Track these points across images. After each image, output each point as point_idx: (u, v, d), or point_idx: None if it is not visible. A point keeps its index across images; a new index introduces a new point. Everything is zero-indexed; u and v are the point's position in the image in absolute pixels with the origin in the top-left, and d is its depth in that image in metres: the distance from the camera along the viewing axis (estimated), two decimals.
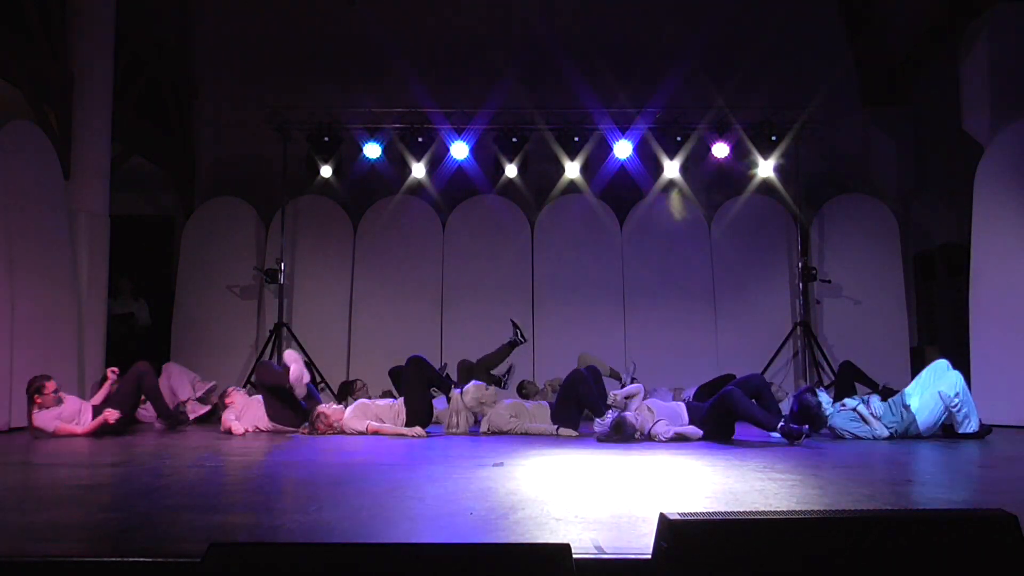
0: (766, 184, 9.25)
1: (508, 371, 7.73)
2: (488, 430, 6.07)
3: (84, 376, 7.34)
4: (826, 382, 8.66)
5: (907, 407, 5.52)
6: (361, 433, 5.87)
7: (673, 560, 1.78)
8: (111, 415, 5.79)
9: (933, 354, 7.52)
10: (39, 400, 5.78)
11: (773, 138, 8.85)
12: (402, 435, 5.81)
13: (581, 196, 9.46)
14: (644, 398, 6.00)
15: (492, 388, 6.31)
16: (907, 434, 5.46)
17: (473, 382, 6.32)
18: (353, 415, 6.03)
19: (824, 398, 5.75)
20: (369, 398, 6.62)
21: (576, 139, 9.00)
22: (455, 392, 6.26)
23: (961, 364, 6.81)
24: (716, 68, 9.54)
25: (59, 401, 5.85)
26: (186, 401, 7.10)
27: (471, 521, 2.61)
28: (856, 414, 5.58)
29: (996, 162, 7.09)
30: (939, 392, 5.43)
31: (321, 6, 10.09)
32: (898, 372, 8.29)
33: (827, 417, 5.61)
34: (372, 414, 6.07)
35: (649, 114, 8.94)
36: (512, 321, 7.45)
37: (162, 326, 9.22)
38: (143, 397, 6.43)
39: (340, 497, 3.13)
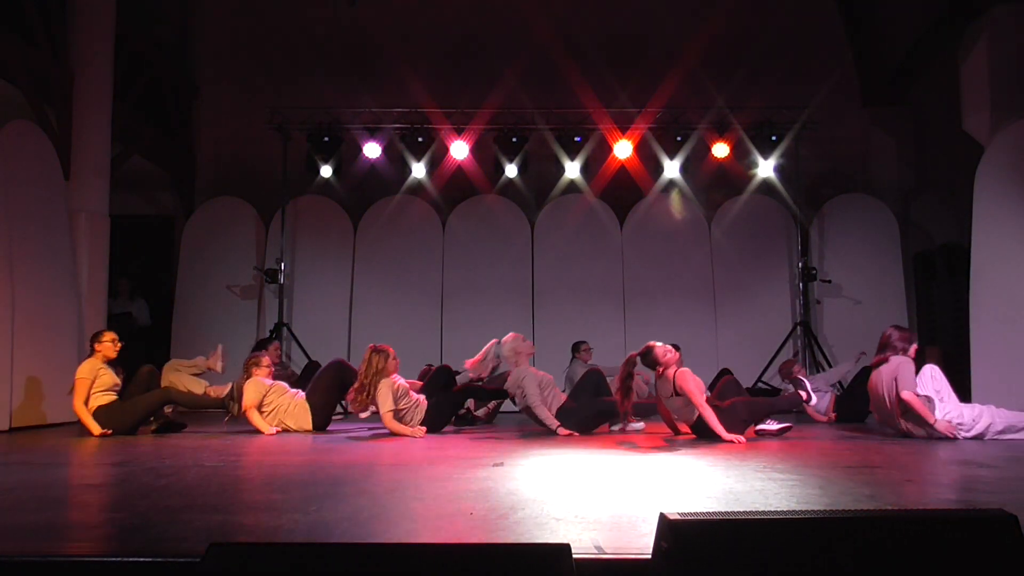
0: (766, 184, 9.25)
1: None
2: (508, 389, 6.13)
3: None
4: None
5: None
6: (375, 413, 5.94)
7: (673, 560, 1.78)
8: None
9: (933, 354, 7.52)
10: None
11: (773, 138, 8.86)
12: (402, 434, 5.81)
13: (581, 196, 9.46)
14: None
15: (530, 341, 6.34)
16: None
17: (511, 333, 6.37)
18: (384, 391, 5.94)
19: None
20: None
21: (576, 139, 9.01)
22: (492, 343, 6.42)
23: (961, 364, 6.81)
24: (716, 68, 9.55)
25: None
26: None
27: (471, 521, 2.61)
28: None
29: (996, 162, 7.09)
30: None
31: (321, 6, 10.10)
32: None
33: None
34: (399, 393, 6.03)
35: (649, 114, 8.94)
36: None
37: (162, 326, 9.23)
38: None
39: (340, 497, 3.13)
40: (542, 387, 6.09)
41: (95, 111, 7.63)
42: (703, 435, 5.63)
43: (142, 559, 2.13)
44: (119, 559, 2.13)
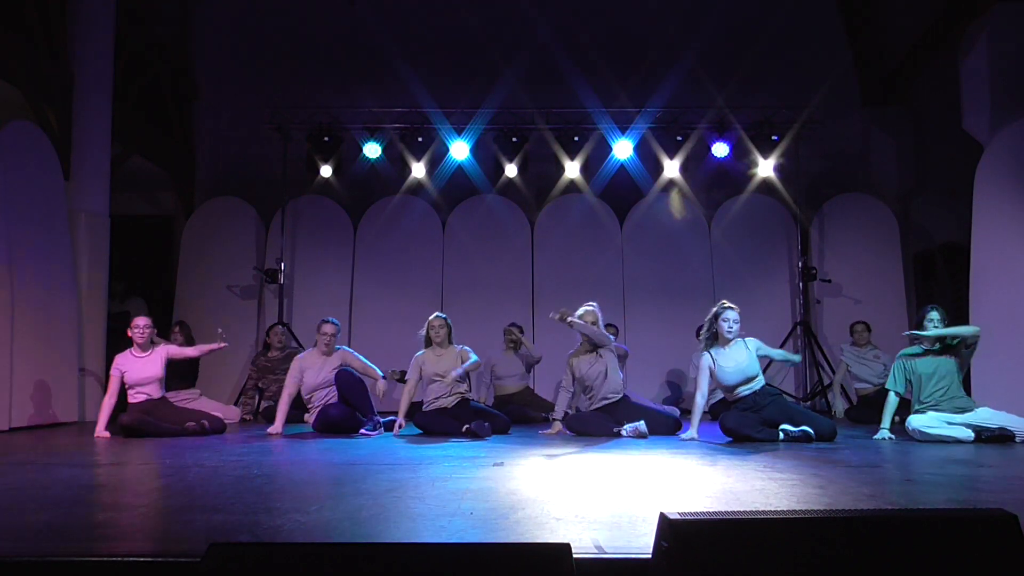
0: (766, 184, 9.26)
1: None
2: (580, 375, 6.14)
3: (84, 376, 7.34)
4: (826, 382, 8.66)
5: None
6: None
7: (673, 560, 1.78)
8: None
9: None
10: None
11: (773, 138, 8.86)
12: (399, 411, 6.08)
13: (581, 196, 9.47)
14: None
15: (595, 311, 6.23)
16: None
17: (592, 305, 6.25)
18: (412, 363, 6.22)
19: None
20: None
21: (576, 139, 9.01)
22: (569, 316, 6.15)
23: None
24: (716, 68, 9.55)
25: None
26: None
27: (471, 521, 2.61)
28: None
29: (996, 161, 7.08)
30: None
31: (321, 6, 10.10)
32: None
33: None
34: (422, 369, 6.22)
35: (649, 114, 8.95)
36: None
37: (162, 326, 9.21)
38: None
39: (340, 497, 3.13)
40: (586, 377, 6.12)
41: (95, 111, 7.63)
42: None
43: (142, 559, 2.13)
44: (119, 559, 2.13)
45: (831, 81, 9.60)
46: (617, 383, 6.12)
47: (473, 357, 6.21)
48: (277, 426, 6.09)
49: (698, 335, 7.91)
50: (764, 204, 9.50)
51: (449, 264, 9.43)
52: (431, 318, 6.34)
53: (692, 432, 5.57)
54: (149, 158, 9.45)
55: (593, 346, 6.15)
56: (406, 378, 6.24)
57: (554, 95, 9.35)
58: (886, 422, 5.57)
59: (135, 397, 6.01)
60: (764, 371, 5.80)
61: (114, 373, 6.02)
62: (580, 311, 6.15)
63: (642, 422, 5.78)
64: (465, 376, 6.18)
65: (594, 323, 6.13)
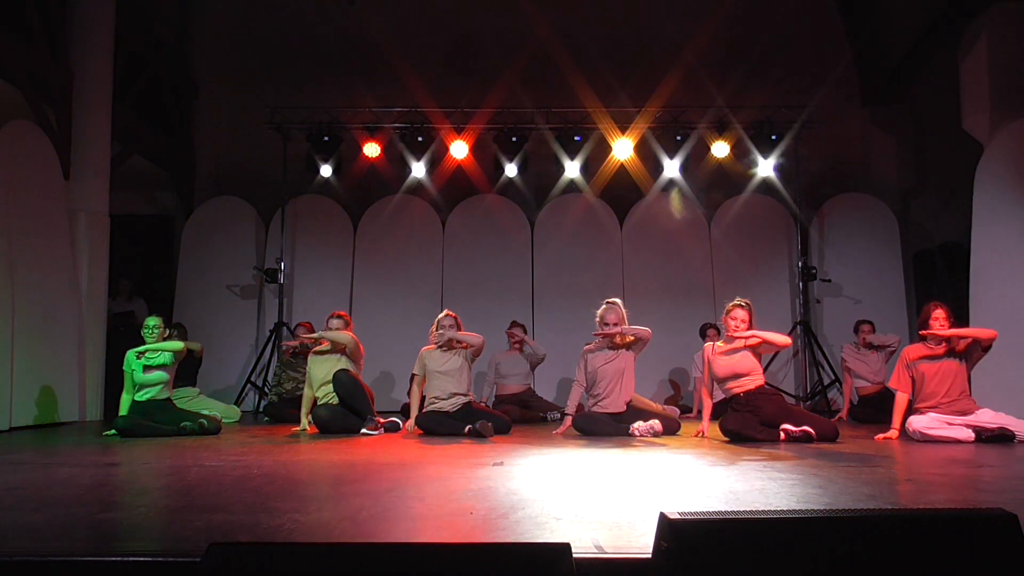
0: (766, 184, 9.26)
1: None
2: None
3: (84, 376, 7.34)
4: (826, 381, 8.66)
5: None
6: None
7: (673, 560, 1.78)
8: None
9: None
10: None
11: (773, 137, 8.86)
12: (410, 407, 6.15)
13: (581, 195, 9.47)
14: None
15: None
16: None
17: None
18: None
19: None
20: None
21: (576, 139, 9.01)
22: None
23: None
24: (716, 68, 9.55)
25: None
26: None
27: (471, 521, 2.61)
28: None
29: (996, 161, 7.09)
30: None
31: (321, 6, 10.10)
32: None
33: None
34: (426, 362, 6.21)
35: (649, 114, 8.94)
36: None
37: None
38: None
39: (340, 497, 3.13)
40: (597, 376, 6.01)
41: (95, 111, 7.63)
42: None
43: (142, 559, 2.13)
44: (119, 559, 2.13)
45: (831, 81, 9.61)
46: (630, 392, 5.99)
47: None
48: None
49: (702, 334, 7.95)
50: (764, 204, 9.50)
51: (449, 264, 9.44)
52: (440, 316, 6.34)
53: (704, 424, 5.72)
54: (149, 158, 9.46)
55: (618, 344, 6.02)
56: (412, 373, 6.27)
57: (554, 95, 9.35)
58: (896, 422, 5.56)
59: (140, 397, 6.04)
60: (765, 369, 5.80)
61: (126, 370, 6.09)
62: (602, 308, 6.05)
63: (656, 420, 5.72)
64: (469, 367, 6.23)
65: (622, 319, 6.01)
